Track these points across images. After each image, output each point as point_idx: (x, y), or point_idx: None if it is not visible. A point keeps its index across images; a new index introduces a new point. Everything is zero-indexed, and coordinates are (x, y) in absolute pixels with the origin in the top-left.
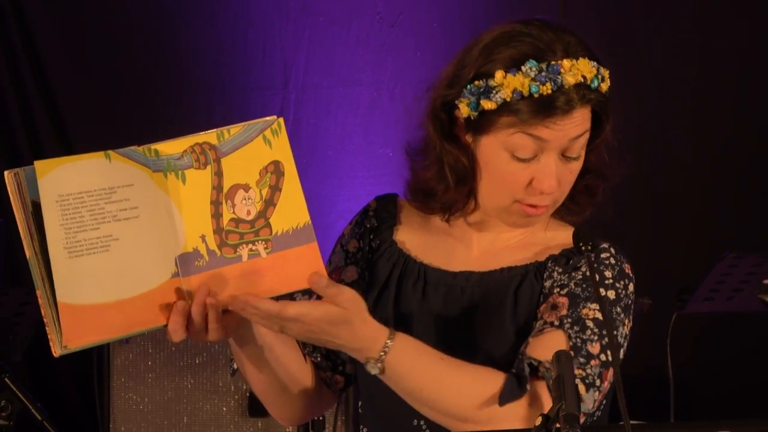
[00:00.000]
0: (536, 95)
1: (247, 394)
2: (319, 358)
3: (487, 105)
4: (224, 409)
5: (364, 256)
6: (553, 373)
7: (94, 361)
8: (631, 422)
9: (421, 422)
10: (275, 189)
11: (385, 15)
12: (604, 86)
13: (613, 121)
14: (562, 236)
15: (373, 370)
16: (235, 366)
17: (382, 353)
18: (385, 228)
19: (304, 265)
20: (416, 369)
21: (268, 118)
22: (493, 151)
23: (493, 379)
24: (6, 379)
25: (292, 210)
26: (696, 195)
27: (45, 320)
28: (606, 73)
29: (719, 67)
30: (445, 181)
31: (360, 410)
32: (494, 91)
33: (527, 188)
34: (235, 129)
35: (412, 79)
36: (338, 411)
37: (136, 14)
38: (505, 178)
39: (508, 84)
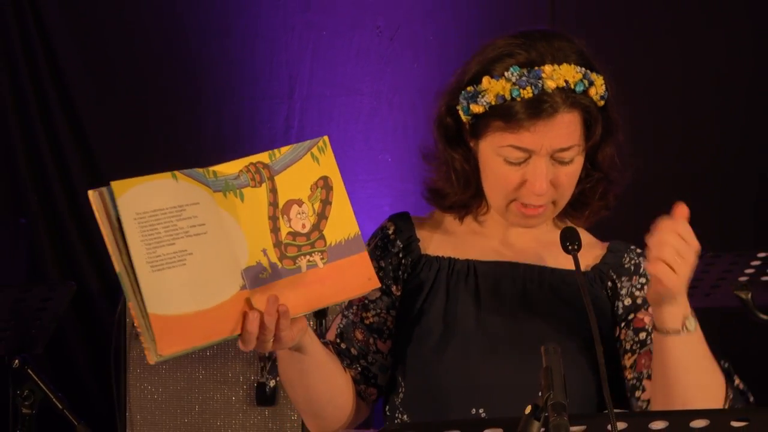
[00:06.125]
0: (518, 99)
1: (255, 385)
2: (358, 369)
3: (476, 109)
4: (233, 398)
5: (387, 275)
6: (543, 364)
7: (111, 354)
8: (615, 411)
9: (480, 410)
10: (326, 203)
11: (385, 29)
12: (594, 91)
13: (622, 127)
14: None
15: (691, 324)
16: None
17: (693, 314)
18: (413, 246)
19: (357, 273)
20: (704, 346)
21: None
22: (488, 155)
23: (723, 387)
24: (29, 371)
25: (343, 222)
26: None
27: (138, 330)
28: (598, 78)
29: (706, 71)
30: (452, 184)
31: (399, 398)
32: (481, 95)
33: (521, 189)
34: (285, 149)
35: (409, 89)
36: None
37: (154, 31)
38: (499, 180)
39: (492, 88)
